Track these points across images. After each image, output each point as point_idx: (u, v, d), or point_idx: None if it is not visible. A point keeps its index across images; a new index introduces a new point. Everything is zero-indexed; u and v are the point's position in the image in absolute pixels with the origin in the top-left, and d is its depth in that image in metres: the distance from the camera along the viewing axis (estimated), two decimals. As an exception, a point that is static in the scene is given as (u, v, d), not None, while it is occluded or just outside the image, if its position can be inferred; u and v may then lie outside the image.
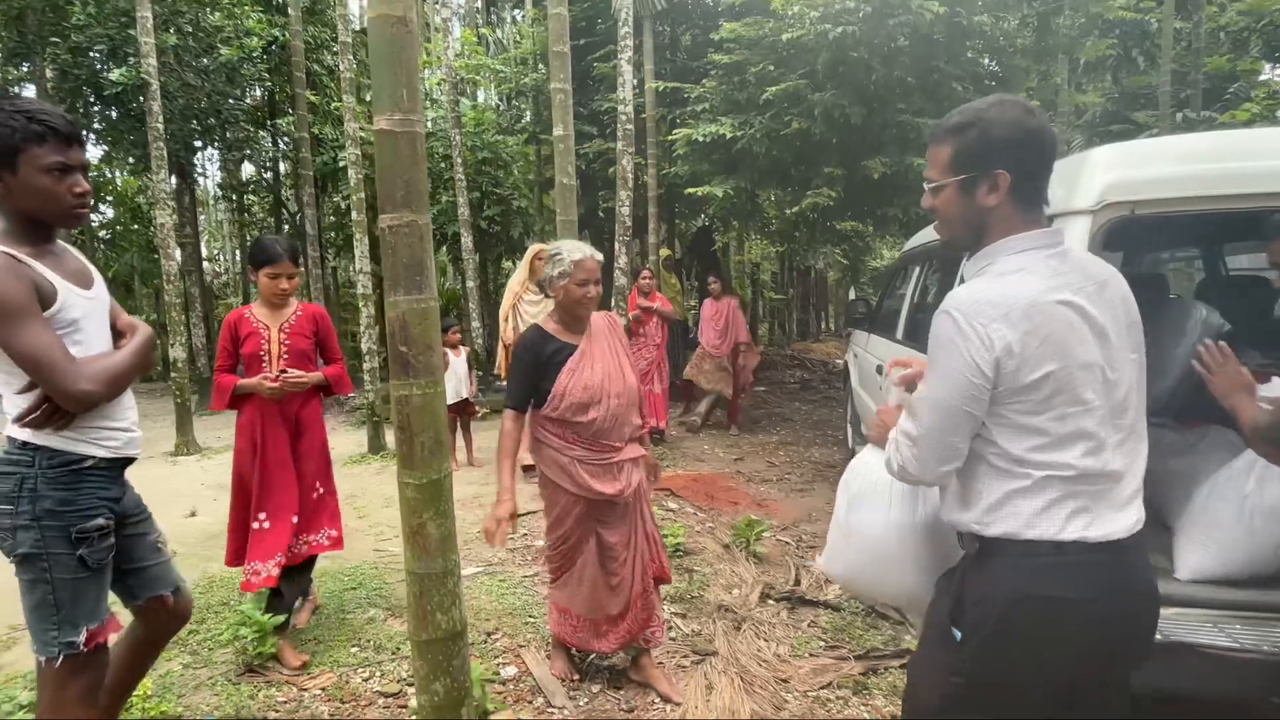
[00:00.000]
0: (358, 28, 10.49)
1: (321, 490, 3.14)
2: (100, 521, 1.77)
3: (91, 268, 1.90)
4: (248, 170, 15.25)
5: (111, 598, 1.88)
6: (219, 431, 8.16)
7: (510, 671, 2.89)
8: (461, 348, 6.32)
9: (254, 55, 9.56)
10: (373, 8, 1.73)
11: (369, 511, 5.15)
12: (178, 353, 7.75)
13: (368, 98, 10.94)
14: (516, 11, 15.46)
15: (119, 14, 8.78)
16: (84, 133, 11.01)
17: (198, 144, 12.23)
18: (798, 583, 3.84)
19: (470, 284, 10.80)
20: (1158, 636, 1.49)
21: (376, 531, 4.69)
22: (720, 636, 3.18)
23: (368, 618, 3.35)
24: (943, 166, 1.37)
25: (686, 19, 10.39)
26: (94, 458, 1.77)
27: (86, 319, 1.76)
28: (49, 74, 9.10)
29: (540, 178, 12.52)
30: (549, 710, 2.64)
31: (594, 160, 10.38)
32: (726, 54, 7.56)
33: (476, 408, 6.81)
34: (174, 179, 11.19)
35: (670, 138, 7.96)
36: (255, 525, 2.93)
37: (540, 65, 10.85)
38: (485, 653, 3.03)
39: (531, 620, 3.30)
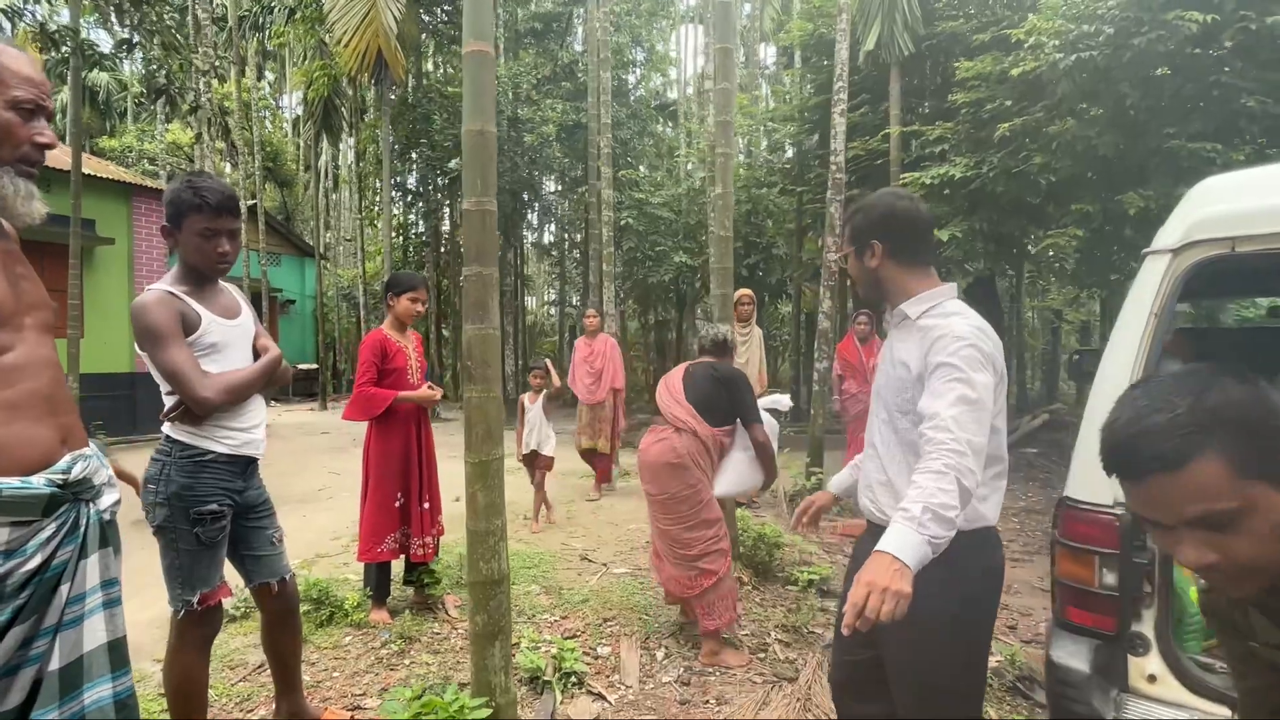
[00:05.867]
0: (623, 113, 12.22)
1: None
2: (213, 506, 2.08)
3: (243, 303, 2.27)
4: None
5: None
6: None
7: (605, 650, 3.38)
8: (541, 395, 5.50)
9: (551, 140, 11.80)
10: (465, 122, 2.49)
11: (577, 514, 6.04)
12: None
13: (642, 168, 12.54)
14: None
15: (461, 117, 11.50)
16: (415, 198, 15.11)
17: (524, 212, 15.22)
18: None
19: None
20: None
21: (570, 531, 5.53)
22: (810, 669, 3.28)
23: (524, 590, 4.11)
24: (845, 240, 1.81)
25: (945, 56, 10.01)
26: (214, 453, 2.09)
27: (226, 343, 2.11)
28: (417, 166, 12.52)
29: (799, 226, 12.89)
30: (615, 680, 3.08)
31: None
32: (968, 91, 7.29)
33: (551, 459, 5.63)
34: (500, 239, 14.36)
35: (902, 182, 7.84)
36: (420, 508, 3.59)
37: (788, 124, 11.35)
38: (596, 633, 3.57)
39: (646, 618, 3.75)
